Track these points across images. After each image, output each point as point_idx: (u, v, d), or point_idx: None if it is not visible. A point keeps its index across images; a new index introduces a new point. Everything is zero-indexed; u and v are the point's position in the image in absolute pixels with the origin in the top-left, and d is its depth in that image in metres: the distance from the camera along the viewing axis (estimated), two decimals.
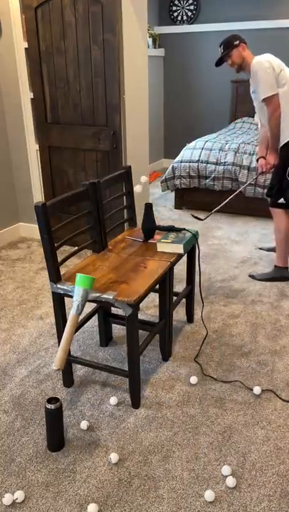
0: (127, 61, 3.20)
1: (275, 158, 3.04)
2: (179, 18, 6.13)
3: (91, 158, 3.52)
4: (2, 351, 2.53)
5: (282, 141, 2.98)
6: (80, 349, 2.54)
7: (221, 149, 4.59)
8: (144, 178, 2.67)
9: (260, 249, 3.77)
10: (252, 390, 2.19)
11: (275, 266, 3.27)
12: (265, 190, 4.33)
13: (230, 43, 2.97)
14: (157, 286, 2.28)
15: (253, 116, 5.78)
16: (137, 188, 2.60)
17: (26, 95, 3.64)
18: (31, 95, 3.61)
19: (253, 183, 4.31)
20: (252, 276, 3.28)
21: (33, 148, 3.80)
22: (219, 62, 3.06)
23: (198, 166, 4.59)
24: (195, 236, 2.43)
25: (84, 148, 3.51)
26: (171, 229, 2.46)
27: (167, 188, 4.85)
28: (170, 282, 2.27)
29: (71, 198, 2.10)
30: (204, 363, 2.39)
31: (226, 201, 3.30)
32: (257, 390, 2.16)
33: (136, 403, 2.09)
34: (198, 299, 2.95)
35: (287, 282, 3.21)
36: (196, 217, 3.08)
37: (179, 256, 2.28)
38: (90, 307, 2.78)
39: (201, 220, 3.12)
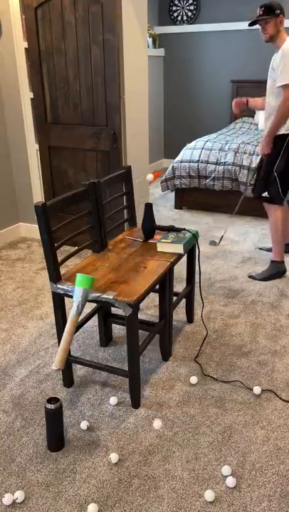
0: (127, 61, 3.20)
1: (268, 147, 3.03)
2: (179, 18, 6.12)
3: (91, 158, 3.52)
4: (2, 351, 2.53)
5: (285, 130, 2.97)
6: (80, 349, 2.54)
7: (220, 149, 4.59)
8: (150, 176, 2.67)
9: (260, 249, 3.78)
10: (252, 390, 2.19)
11: (272, 261, 3.29)
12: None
13: (271, 8, 2.83)
14: (157, 286, 2.28)
15: (253, 117, 5.78)
16: (148, 177, 2.62)
17: (26, 95, 3.64)
18: (31, 95, 3.61)
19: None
20: (251, 277, 3.28)
21: (33, 148, 3.80)
22: (252, 24, 2.94)
23: (198, 166, 4.59)
24: (195, 236, 2.43)
25: (84, 148, 3.51)
26: (171, 229, 2.46)
27: (167, 188, 4.85)
28: (170, 282, 2.27)
29: (71, 198, 2.10)
30: (204, 363, 2.39)
31: (237, 207, 3.33)
32: (257, 390, 2.16)
33: (136, 403, 2.09)
34: (198, 299, 2.95)
35: (287, 282, 3.21)
36: (213, 243, 3.26)
37: (179, 256, 2.28)
38: (90, 307, 2.78)
39: (216, 244, 3.27)
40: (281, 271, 3.26)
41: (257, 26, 2.97)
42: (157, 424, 1.94)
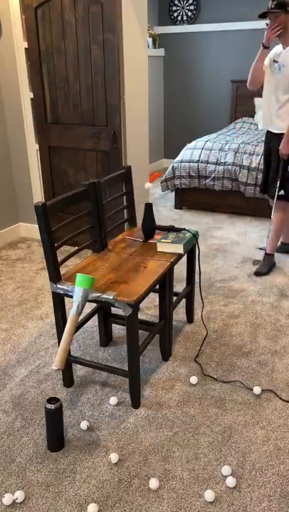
0: (127, 61, 3.20)
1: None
2: (179, 18, 6.12)
3: (91, 158, 3.52)
4: (2, 351, 2.53)
5: None
6: (80, 349, 2.54)
7: (221, 149, 4.59)
8: (148, 185, 2.68)
9: (261, 249, 3.78)
10: (252, 390, 2.19)
11: (268, 254, 3.43)
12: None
13: (284, 4, 2.81)
14: (157, 286, 2.28)
15: (253, 117, 5.78)
16: (147, 185, 2.64)
17: (26, 95, 3.64)
18: (31, 95, 3.61)
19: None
20: (258, 273, 3.31)
21: (33, 148, 3.80)
22: (263, 16, 2.91)
23: (198, 166, 4.59)
24: (195, 236, 2.43)
25: (84, 148, 3.51)
26: (171, 229, 2.46)
27: (167, 188, 4.85)
28: (170, 282, 2.27)
29: (71, 198, 2.10)
30: (204, 363, 2.39)
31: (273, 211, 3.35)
32: (257, 390, 2.16)
33: (136, 403, 2.09)
34: (198, 299, 2.95)
35: (287, 282, 3.21)
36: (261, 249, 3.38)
37: (179, 256, 2.28)
38: (90, 307, 2.78)
39: (263, 249, 3.36)
40: (273, 263, 3.46)
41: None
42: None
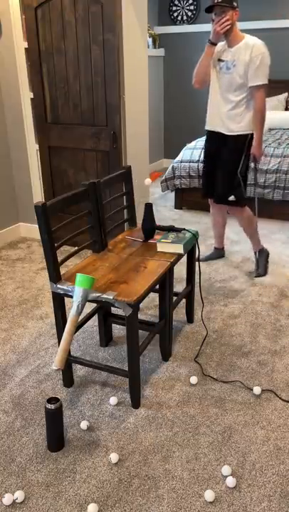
0: (127, 61, 3.20)
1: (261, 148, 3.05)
2: (179, 18, 6.12)
3: (91, 158, 3.52)
4: (2, 351, 2.53)
5: (244, 131, 2.98)
6: (80, 349, 2.54)
7: None
8: (148, 181, 2.68)
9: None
10: (252, 390, 2.19)
11: (256, 252, 3.45)
12: (267, 191, 4.33)
13: (231, 0, 2.72)
14: (157, 286, 2.28)
15: None
16: (147, 181, 2.64)
17: (26, 95, 3.64)
18: (31, 95, 3.61)
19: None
20: (258, 276, 3.31)
21: (33, 148, 3.80)
22: (209, 10, 2.79)
23: (198, 166, 4.58)
24: (195, 236, 2.43)
25: (84, 148, 3.51)
26: (171, 229, 2.46)
27: (167, 188, 4.85)
28: (170, 282, 2.27)
29: (71, 198, 2.10)
30: (204, 363, 2.39)
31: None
32: (257, 390, 2.16)
33: (136, 403, 2.09)
34: (198, 299, 2.95)
35: (287, 283, 3.21)
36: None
37: (179, 256, 2.28)
38: (90, 307, 2.78)
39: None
40: (268, 253, 3.49)
41: (212, 18, 2.84)
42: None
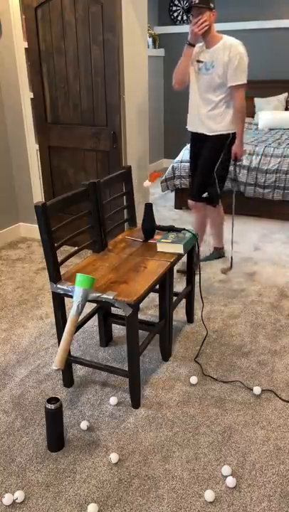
0: (127, 61, 3.20)
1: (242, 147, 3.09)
2: (179, 18, 6.12)
3: (91, 158, 3.52)
4: (2, 351, 2.53)
5: (225, 130, 3.01)
6: (80, 349, 2.54)
7: None
8: (147, 183, 2.69)
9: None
10: (252, 390, 2.19)
11: (215, 247, 3.56)
12: (267, 191, 4.34)
13: (208, 1, 2.74)
14: (157, 286, 2.28)
15: (253, 116, 5.78)
16: (145, 183, 2.66)
17: (26, 95, 3.64)
18: (31, 95, 3.61)
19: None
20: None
21: (33, 148, 3.80)
22: (188, 11, 2.83)
23: None
24: (195, 236, 2.43)
25: (84, 148, 3.51)
26: (171, 229, 2.46)
27: (167, 188, 4.85)
28: (170, 282, 2.27)
29: (71, 198, 2.10)
30: (204, 363, 2.39)
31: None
32: (257, 390, 2.16)
33: (136, 403, 2.09)
34: (198, 299, 2.95)
35: (287, 283, 3.21)
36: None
37: (179, 256, 2.28)
38: (90, 307, 2.78)
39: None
40: (222, 255, 3.61)
41: (190, 18, 2.86)
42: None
